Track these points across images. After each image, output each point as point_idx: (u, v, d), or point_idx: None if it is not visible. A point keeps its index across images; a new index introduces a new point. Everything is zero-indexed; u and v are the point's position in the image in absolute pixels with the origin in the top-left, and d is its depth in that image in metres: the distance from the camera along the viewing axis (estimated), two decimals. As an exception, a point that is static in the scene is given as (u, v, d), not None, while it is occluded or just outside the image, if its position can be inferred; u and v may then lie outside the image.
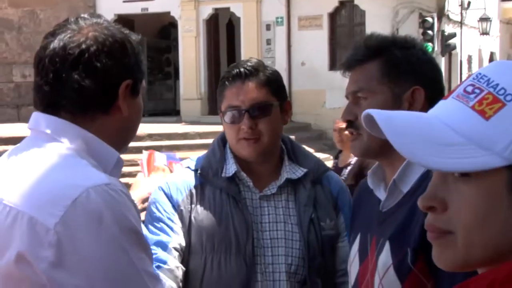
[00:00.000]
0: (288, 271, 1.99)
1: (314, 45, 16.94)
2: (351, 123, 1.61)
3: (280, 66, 17.55)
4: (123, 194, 1.34)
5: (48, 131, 1.41)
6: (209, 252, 2.01)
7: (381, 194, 1.62)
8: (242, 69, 2.05)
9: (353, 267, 1.68)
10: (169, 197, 2.05)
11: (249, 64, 2.08)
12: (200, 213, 2.03)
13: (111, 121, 1.44)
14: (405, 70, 1.58)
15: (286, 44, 17.56)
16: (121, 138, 1.49)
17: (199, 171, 2.08)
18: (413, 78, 1.57)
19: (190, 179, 2.08)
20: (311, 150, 6.52)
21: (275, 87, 2.07)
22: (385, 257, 1.51)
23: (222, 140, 2.13)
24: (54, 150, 1.38)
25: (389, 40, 1.64)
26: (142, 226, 1.61)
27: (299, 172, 2.07)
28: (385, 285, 1.50)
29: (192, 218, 2.03)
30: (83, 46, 1.40)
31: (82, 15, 1.49)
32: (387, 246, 1.51)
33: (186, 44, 18.30)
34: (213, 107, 18.03)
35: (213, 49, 18.68)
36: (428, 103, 1.55)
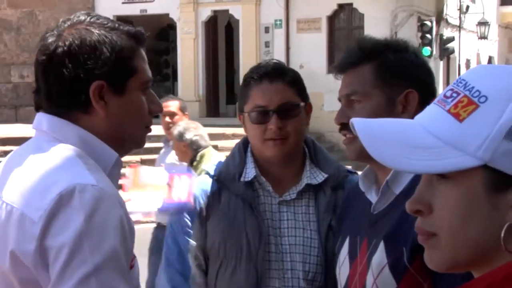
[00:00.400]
0: (305, 278, 1.96)
1: (313, 48, 16.96)
2: (345, 126, 1.60)
3: (279, 68, 17.56)
4: (110, 196, 1.34)
5: (48, 131, 1.44)
6: (222, 258, 2.02)
7: (372, 197, 1.62)
8: (270, 69, 2.02)
9: (343, 270, 1.68)
10: (189, 208, 2.09)
11: (273, 64, 2.06)
12: (215, 219, 2.03)
13: (95, 120, 1.44)
14: (399, 73, 1.59)
15: (285, 47, 17.57)
16: (115, 138, 1.47)
17: (215, 177, 2.07)
18: (407, 81, 1.58)
19: (207, 186, 2.07)
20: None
21: (300, 88, 2.05)
22: (379, 257, 1.51)
23: (243, 144, 2.11)
24: (53, 150, 1.40)
25: (383, 43, 1.64)
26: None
27: (319, 177, 2.02)
28: (379, 285, 1.50)
29: (208, 224, 2.04)
30: (51, 51, 1.42)
31: (75, 14, 1.49)
32: (381, 246, 1.52)
33: (184, 46, 18.31)
34: (211, 109, 18.06)
35: (211, 51, 18.69)
36: (421, 106, 1.54)
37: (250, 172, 2.02)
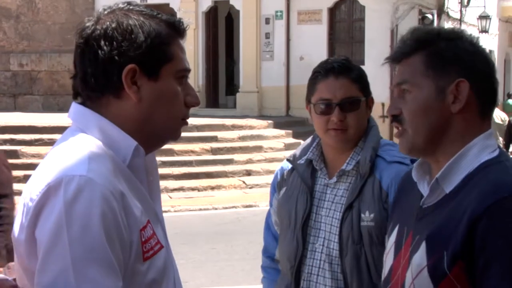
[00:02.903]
0: (329, 254, 2.21)
1: (313, 40, 16.91)
2: (396, 118, 1.57)
3: (279, 60, 17.54)
4: (96, 187, 1.32)
5: (73, 121, 1.47)
6: (280, 225, 2.38)
7: (424, 189, 1.58)
8: (336, 65, 2.23)
9: (388, 259, 1.64)
10: (273, 182, 2.46)
11: (341, 61, 2.27)
12: (281, 194, 2.38)
13: (125, 106, 1.43)
14: (450, 62, 1.52)
15: (285, 38, 17.53)
16: (146, 127, 1.45)
17: (289, 158, 2.39)
18: (458, 70, 1.51)
19: (286, 165, 2.42)
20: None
21: (363, 84, 2.27)
22: (419, 257, 1.47)
23: None
24: (71, 141, 1.42)
25: (435, 32, 1.58)
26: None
27: (353, 164, 2.24)
28: (417, 286, 1.46)
29: (280, 197, 2.39)
30: (88, 34, 1.43)
31: (116, 3, 1.50)
32: (423, 246, 1.47)
33: (184, 36, 18.23)
34: (210, 99, 18.03)
35: (211, 42, 18.64)
36: (477, 96, 1.51)
37: (308, 155, 2.32)
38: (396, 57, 1.60)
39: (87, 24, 1.45)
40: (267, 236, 2.52)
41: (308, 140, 2.40)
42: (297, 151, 2.39)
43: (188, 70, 1.52)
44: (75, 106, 1.47)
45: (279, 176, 2.43)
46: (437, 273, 1.42)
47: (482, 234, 1.36)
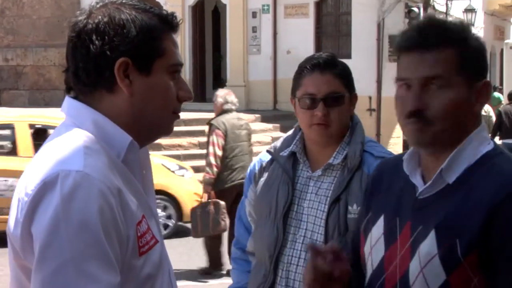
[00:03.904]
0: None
1: (300, 34, 16.91)
2: (420, 113, 1.51)
3: (266, 54, 17.52)
4: (94, 182, 1.31)
5: (67, 115, 1.46)
6: (259, 215, 2.39)
7: (417, 180, 1.58)
8: (321, 60, 2.26)
9: (376, 250, 1.62)
10: (250, 173, 2.48)
11: (326, 56, 2.29)
12: (260, 185, 2.40)
13: (118, 101, 1.43)
14: (478, 62, 1.54)
15: (272, 32, 17.52)
16: (139, 121, 1.45)
17: (269, 150, 2.41)
18: (482, 70, 1.55)
19: (264, 157, 2.44)
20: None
21: (347, 80, 2.29)
22: (429, 245, 1.46)
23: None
24: (65, 136, 1.41)
25: (466, 28, 1.56)
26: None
27: (341, 158, 2.26)
28: (427, 274, 1.46)
29: (257, 188, 2.40)
30: (80, 27, 1.43)
31: None
32: (431, 235, 1.47)
33: (171, 30, 18.16)
34: (198, 94, 17.98)
35: (198, 36, 18.59)
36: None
37: (291, 148, 2.33)
38: (429, 43, 1.51)
39: (80, 18, 1.44)
40: (239, 227, 2.53)
41: (290, 132, 2.41)
42: (277, 143, 2.41)
43: (181, 65, 1.52)
44: (69, 101, 1.47)
45: (257, 168, 2.44)
46: (450, 261, 1.43)
47: (499, 222, 1.39)
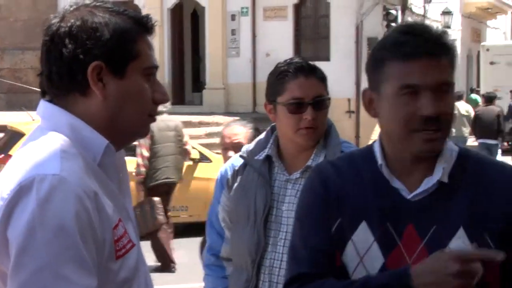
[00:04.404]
0: None
1: (279, 36, 16.95)
2: (437, 119, 1.50)
3: (245, 57, 17.53)
4: (70, 186, 1.31)
5: (43, 119, 1.45)
6: (236, 220, 2.37)
7: (399, 184, 1.58)
8: (304, 64, 2.27)
9: (370, 259, 1.55)
10: (221, 178, 2.45)
11: (304, 60, 2.31)
12: (235, 189, 2.38)
13: (92, 104, 1.42)
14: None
15: (251, 35, 17.53)
16: (114, 124, 1.44)
17: (242, 154, 2.39)
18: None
19: (236, 161, 2.42)
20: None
21: (326, 84, 2.32)
22: (460, 243, 1.50)
23: (272, 128, 2.40)
24: (41, 139, 1.40)
25: (448, 35, 1.61)
26: None
27: (319, 160, 2.26)
28: None
29: (231, 192, 2.39)
30: (53, 31, 1.42)
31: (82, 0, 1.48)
32: (460, 233, 1.51)
33: (150, 33, 18.10)
34: (177, 96, 17.94)
35: (177, 39, 18.55)
36: None
37: (267, 151, 2.32)
38: (442, 49, 1.53)
39: (53, 21, 1.44)
40: (211, 233, 2.51)
41: (262, 136, 2.40)
42: (249, 147, 2.39)
43: (156, 67, 1.52)
44: (44, 104, 1.46)
45: (229, 173, 2.42)
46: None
47: None
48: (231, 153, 3.36)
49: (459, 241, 1.50)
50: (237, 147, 3.29)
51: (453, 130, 12.84)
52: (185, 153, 7.76)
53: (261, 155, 2.33)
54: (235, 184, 2.38)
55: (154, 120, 1.51)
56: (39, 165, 1.33)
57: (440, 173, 1.55)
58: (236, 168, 2.41)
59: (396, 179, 1.58)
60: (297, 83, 2.24)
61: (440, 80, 1.51)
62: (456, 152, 1.59)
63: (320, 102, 2.25)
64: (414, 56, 1.50)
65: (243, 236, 2.31)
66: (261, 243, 2.27)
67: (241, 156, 2.40)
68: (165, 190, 7.42)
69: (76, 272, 1.28)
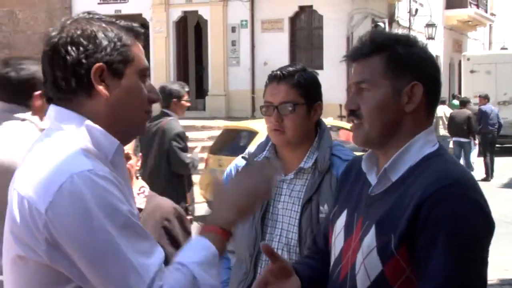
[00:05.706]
0: (287, 244, 2.26)
1: (276, 46, 16.99)
2: (353, 112, 1.59)
3: (245, 65, 17.56)
4: (106, 179, 1.34)
5: (55, 121, 1.45)
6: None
7: (372, 178, 1.61)
8: (279, 72, 2.29)
9: (338, 241, 1.66)
10: (227, 177, 2.47)
11: (289, 68, 2.31)
12: None
13: (97, 104, 1.44)
14: (406, 66, 1.56)
15: (250, 45, 17.57)
16: (117, 122, 1.46)
17: (244, 156, 2.43)
18: (414, 74, 1.56)
19: (239, 162, 2.44)
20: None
21: (305, 90, 2.27)
22: (370, 239, 1.51)
23: None
24: (58, 141, 1.41)
25: (393, 37, 1.62)
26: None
27: (311, 162, 2.28)
28: (367, 265, 1.50)
29: None
30: (55, 41, 1.44)
31: (78, 14, 1.52)
32: (373, 229, 1.51)
33: (156, 45, 18.14)
34: (182, 103, 17.93)
35: (182, 49, 18.58)
36: (427, 98, 1.57)
37: (265, 153, 2.36)
38: (355, 56, 1.61)
39: (53, 34, 1.46)
40: None
41: (263, 139, 2.43)
42: (251, 149, 2.44)
43: (148, 68, 1.56)
44: (54, 108, 1.46)
45: (233, 172, 2.45)
46: (385, 253, 1.46)
47: (424, 216, 1.41)
48: None
49: (369, 237, 1.51)
50: None
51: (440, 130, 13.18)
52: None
53: (260, 157, 2.36)
54: None
55: (150, 117, 1.54)
56: (70, 164, 1.34)
57: (395, 173, 1.54)
58: (239, 168, 2.42)
59: (374, 172, 1.62)
60: (270, 88, 2.29)
61: (356, 80, 1.60)
62: (423, 155, 1.54)
63: (285, 107, 2.23)
64: (350, 59, 1.64)
65: (243, 231, 2.33)
66: (259, 239, 2.28)
67: (243, 157, 2.44)
68: None
69: (145, 243, 1.35)
